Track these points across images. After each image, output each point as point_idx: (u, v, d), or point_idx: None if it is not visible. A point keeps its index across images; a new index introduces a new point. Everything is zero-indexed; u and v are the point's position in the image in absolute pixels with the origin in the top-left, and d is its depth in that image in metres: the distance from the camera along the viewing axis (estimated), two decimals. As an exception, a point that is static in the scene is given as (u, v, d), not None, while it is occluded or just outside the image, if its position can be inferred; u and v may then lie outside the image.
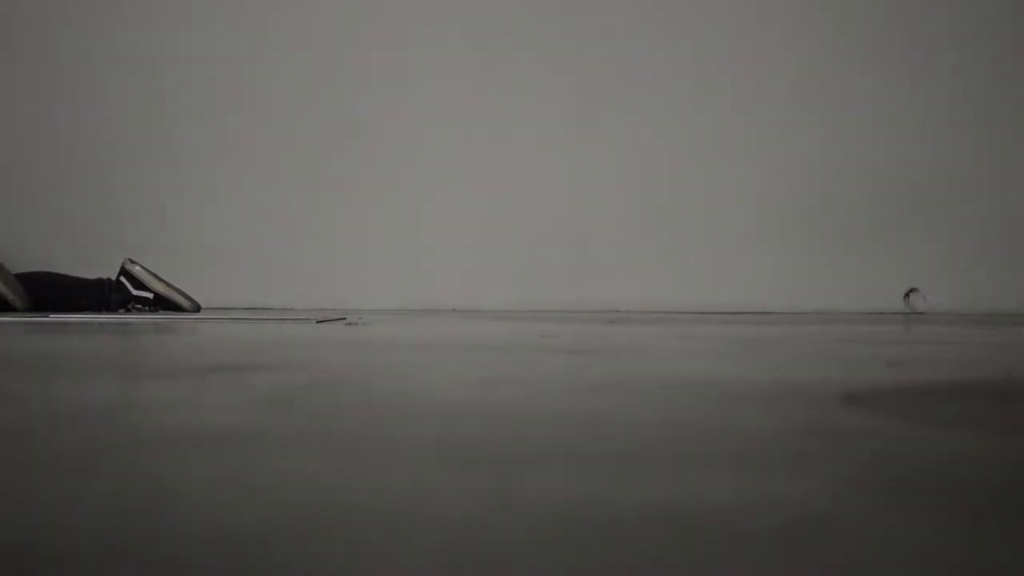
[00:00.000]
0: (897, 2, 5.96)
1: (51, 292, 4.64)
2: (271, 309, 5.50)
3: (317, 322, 3.96)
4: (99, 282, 4.73)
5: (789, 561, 0.60)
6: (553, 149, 5.88)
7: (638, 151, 5.89)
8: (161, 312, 4.66)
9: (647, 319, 4.45)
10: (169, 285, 4.72)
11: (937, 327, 3.85)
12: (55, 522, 0.67)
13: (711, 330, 3.50)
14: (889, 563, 0.59)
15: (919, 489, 0.81)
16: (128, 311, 4.68)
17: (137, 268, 4.72)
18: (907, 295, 5.81)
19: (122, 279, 4.72)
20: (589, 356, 2.34)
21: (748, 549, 0.62)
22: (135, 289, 4.69)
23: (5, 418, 1.28)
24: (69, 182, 5.90)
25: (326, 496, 0.80)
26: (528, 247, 5.83)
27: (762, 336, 3.11)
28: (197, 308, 4.73)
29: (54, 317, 4.16)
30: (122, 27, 5.92)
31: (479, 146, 5.86)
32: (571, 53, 5.90)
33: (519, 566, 0.58)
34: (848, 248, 5.87)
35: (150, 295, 4.68)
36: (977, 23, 5.95)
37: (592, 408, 1.39)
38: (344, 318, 4.33)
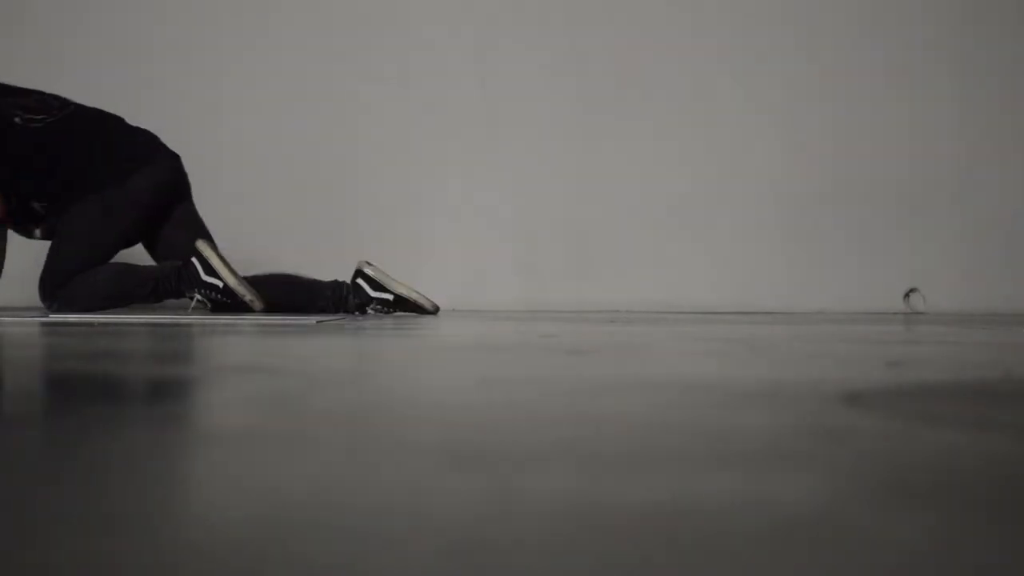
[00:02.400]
0: (897, 4, 5.96)
1: (287, 294, 4.57)
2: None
3: (317, 322, 3.96)
4: (335, 284, 4.66)
5: (789, 561, 0.60)
6: (554, 147, 5.88)
7: (638, 152, 5.89)
8: (399, 313, 4.62)
9: (647, 319, 4.46)
10: (409, 287, 4.66)
11: (937, 327, 3.85)
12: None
13: (711, 330, 3.50)
14: (889, 563, 0.59)
15: (919, 489, 0.80)
16: (366, 313, 4.61)
17: (373, 270, 4.65)
18: (907, 295, 5.81)
19: (359, 281, 4.64)
20: (589, 356, 2.34)
21: (749, 549, 0.62)
22: (374, 291, 4.62)
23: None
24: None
25: (324, 496, 0.79)
26: (528, 247, 5.83)
27: (762, 336, 3.11)
28: (436, 309, 4.69)
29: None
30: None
31: (479, 145, 5.86)
32: (572, 48, 5.89)
33: (518, 565, 0.58)
34: (848, 248, 5.87)
35: (390, 296, 4.63)
36: (979, 24, 5.95)
37: (591, 408, 1.38)
38: (344, 318, 4.34)
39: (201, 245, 4.48)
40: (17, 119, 4.44)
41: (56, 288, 4.45)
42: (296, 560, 0.60)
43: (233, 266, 4.51)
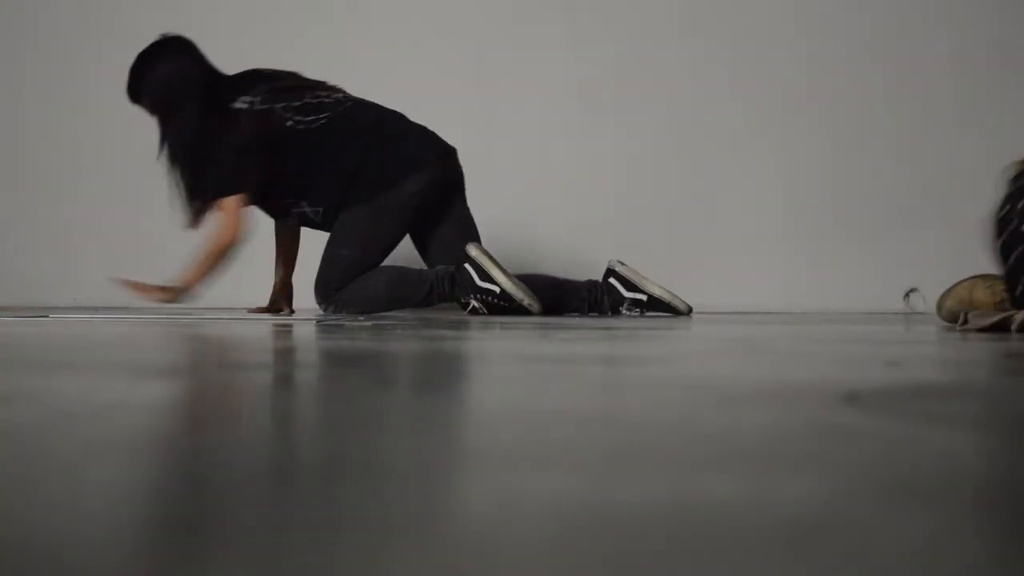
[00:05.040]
0: (896, 4, 5.96)
1: (543, 294, 4.55)
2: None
3: (317, 322, 3.96)
4: (591, 284, 4.66)
5: (789, 561, 0.59)
6: (555, 146, 5.87)
7: (638, 152, 5.88)
8: (651, 314, 4.59)
9: (647, 319, 4.45)
10: (663, 287, 4.64)
11: (937, 327, 3.85)
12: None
13: (711, 330, 3.50)
14: (889, 563, 0.59)
15: (919, 489, 0.80)
16: (619, 313, 4.60)
17: (625, 268, 4.64)
18: (907, 295, 5.81)
19: (611, 281, 4.64)
20: (588, 355, 2.34)
21: (749, 548, 0.62)
22: (627, 291, 4.61)
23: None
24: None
25: (324, 496, 0.79)
26: (527, 247, 5.83)
27: (762, 336, 3.11)
28: (690, 310, 4.66)
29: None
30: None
31: (477, 142, 5.85)
32: (572, 47, 5.89)
33: (521, 564, 0.58)
34: (848, 248, 5.87)
35: (644, 296, 4.62)
36: (978, 25, 5.95)
37: (590, 408, 1.38)
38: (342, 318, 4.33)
39: (473, 250, 4.49)
40: (288, 123, 4.48)
41: (332, 291, 4.50)
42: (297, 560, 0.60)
43: (507, 269, 4.51)
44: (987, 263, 3.71)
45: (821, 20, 5.94)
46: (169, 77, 4.42)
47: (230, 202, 4.40)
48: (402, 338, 2.97)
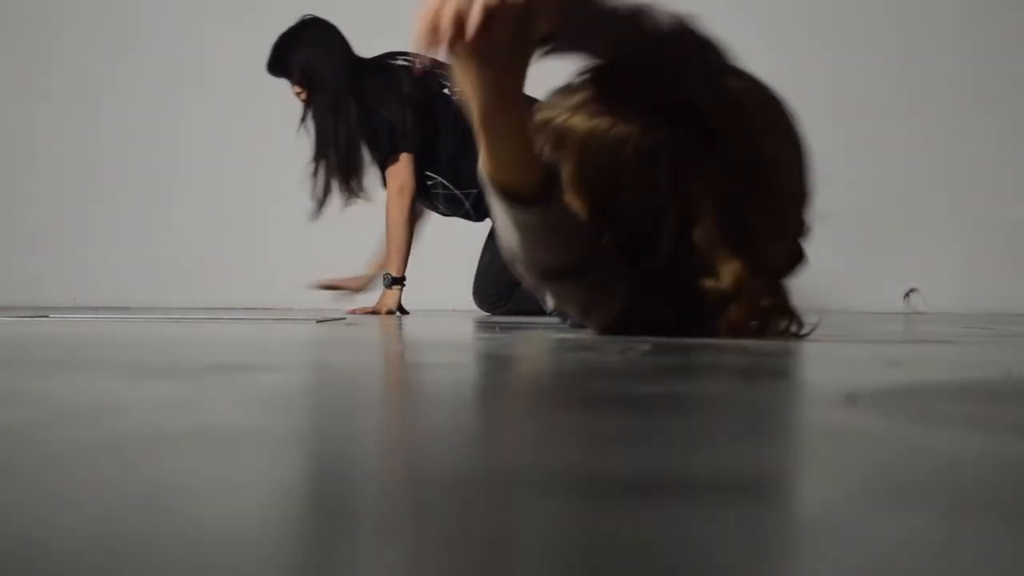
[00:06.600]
0: (897, 4, 5.96)
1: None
2: (271, 309, 5.50)
3: (317, 322, 3.96)
4: None
5: (788, 562, 0.60)
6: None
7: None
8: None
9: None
10: None
11: (937, 327, 3.85)
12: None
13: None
14: (889, 563, 0.59)
15: (919, 489, 0.80)
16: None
17: None
18: (907, 295, 5.81)
19: None
20: (590, 355, 2.34)
21: (746, 548, 0.62)
22: None
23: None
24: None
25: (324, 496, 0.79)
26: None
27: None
28: None
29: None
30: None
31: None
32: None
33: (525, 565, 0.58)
34: (848, 248, 5.87)
35: None
36: (979, 24, 5.95)
37: (586, 407, 1.38)
38: (344, 318, 4.33)
39: None
40: (445, 89, 4.49)
41: (506, 284, 4.48)
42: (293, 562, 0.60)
43: None
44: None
45: (824, 17, 5.94)
46: (319, 53, 4.47)
47: (398, 163, 4.39)
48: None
